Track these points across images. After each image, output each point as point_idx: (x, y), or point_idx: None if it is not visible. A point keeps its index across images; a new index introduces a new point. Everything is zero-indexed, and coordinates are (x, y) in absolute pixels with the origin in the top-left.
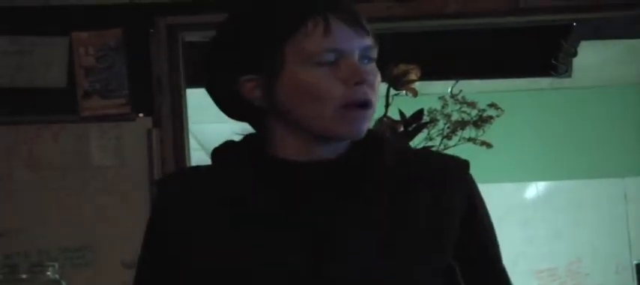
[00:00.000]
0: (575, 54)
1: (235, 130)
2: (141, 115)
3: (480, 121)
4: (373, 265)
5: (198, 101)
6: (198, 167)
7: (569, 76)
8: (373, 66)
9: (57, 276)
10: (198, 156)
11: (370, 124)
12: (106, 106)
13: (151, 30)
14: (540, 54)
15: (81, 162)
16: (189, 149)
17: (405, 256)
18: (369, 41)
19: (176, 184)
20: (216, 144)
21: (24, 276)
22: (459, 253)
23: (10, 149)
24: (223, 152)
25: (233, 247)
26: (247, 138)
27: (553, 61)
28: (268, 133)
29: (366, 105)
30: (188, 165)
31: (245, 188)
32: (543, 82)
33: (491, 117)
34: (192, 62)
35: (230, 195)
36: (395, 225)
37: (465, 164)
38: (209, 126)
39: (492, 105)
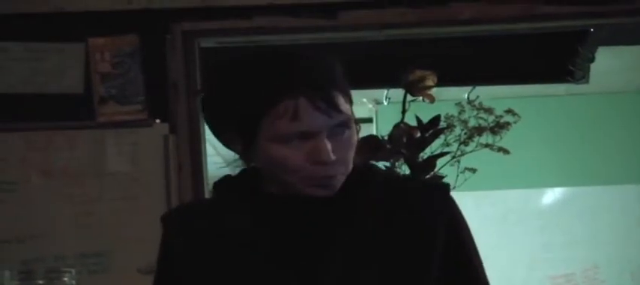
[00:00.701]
0: (592, 60)
1: None
2: (157, 121)
3: (497, 127)
4: None
5: None
6: (201, 201)
7: (587, 82)
8: (346, 134)
9: (73, 282)
10: (215, 162)
11: (341, 182)
12: (122, 112)
13: (167, 36)
14: (557, 60)
15: (97, 168)
16: (205, 155)
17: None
18: (340, 118)
19: (179, 219)
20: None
21: (41, 282)
22: (443, 275)
23: (26, 155)
24: (222, 187)
25: (228, 280)
26: (245, 173)
27: (570, 67)
28: (260, 172)
29: (331, 178)
30: (204, 171)
31: (242, 223)
32: (560, 88)
33: (508, 123)
34: (207, 68)
35: (228, 229)
36: (384, 255)
37: (445, 188)
38: None
39: (509, 111)
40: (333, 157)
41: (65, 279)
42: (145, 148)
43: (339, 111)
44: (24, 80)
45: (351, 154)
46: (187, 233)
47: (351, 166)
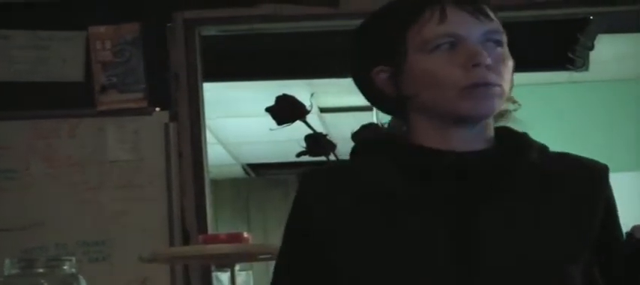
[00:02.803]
0: (591, 47)
1: (254, 124)
2: (158, 109)
3: (497, 115)
4: (519, 258)
5: (215, 95)
6: (340, 162)
7: (586, 69)
8: (499, 50)
9: (74, 270)
10: (215, 150)
11: (499, 104)
12: (123, 101)
13: (168, 24)
14: (557, 48)
15: (98, 156)
16: (206, 143)
17: (549, 252)
18: (491, 26)
19: (321, 181)
20: (234, 138)
21: (41, 270)
22: (598, 254)
23: (28, 143)
24: (367, 144)
25: (380, 238)
26: (390, 130)
27: (570, 55)
28: (409, 124)
29: (487, 84)
30: (204, 159)
31: (391, 180)
32: (560, 76)
33: (508, 111)
34: (209, 56)
35: (375, 189)
36: (539, 221)
37: (605, 168)
38: (226, 120)
39: (509, 99)
40: (487, 60)
41: (65, 267)
42: (145, 136)
43: (489, 17)
44: (27, 69)
45: (507, 75)
46: (331, 197)
47: (507, 90)
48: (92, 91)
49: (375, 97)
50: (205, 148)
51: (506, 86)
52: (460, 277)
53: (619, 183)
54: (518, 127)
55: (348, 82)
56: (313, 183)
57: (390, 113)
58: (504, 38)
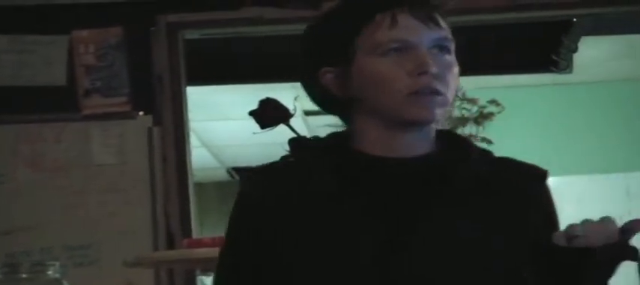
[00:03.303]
0: (575, 49)
1: (238, 127)
2: (141, 113)
3: (481, 118)
4: (453, 263)
5: (199, 99)
6: (277, 163)
7: (570, 71)
8: (447, 58)
9: (58, 275)
10: (199, 153)
11: (442, 111)
12: (106, 105)
13: (152, 28)
14: (541, 50)
15: (83, 160)
16: (190, 147)
17: (486, 257)
18: (440, 33)
19: (263, 180)
20: (218, 141)
21: (24, 275)
22: (535, 260)
23: (12, 148)
24: (305, 148)
25: (320, 238)
26: (332, 135)
27: (554, 57)
28: (353, 126)
29: (431, 92)
30: (188, 162)
31: (332, 183)
32: (544, 78)
33: (492, 113)
34: (193, 60)
35: (317, 190)
36: (477, 226)
37: (543, 173)
38: (210, 123)
39: (493, 101)
40: (433, 68)
41: (49, 272)
42: (130, 140)
43: (439, 25)
44: (11, 73)
45: (452, 82)
46: (273, 195)
47: (451, 97)
48: (76, 95)
49: (322, 98)
50: (189, 151)
51: (450, 94)
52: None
53: (602, 184)
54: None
55: None
56: (255, 181)
57: (336, 115)
58: (453, 45)
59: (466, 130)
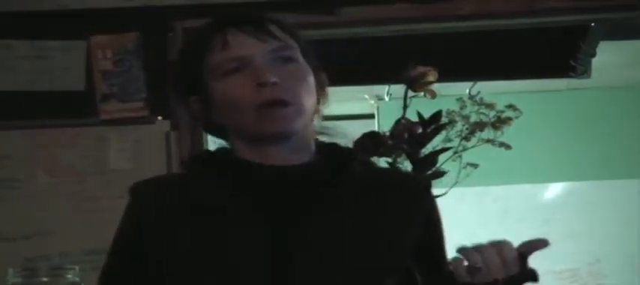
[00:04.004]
0: (593, 55)
1: None
2: (159, 118)
3: (499, 123)
4: (333, 270)
5: None
6: (170, 174)
7: (588, 77)
8: (290, 67)
9: (77, 279)
10: None
11: (298, 120)
12: (124, 110)
13: (169, 33)
14: (559, 55)
15: (100, 165)
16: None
17: (365, 264)
18: (275, 44)
19: (149, 192)
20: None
21: (44, 279)
22: (417, 268)
23: (30, 153)
24: (196, 161)
25: (201, 251)
26: (222, 148)
27: (571, 62)
28: (233, 147)
29: (277, 103)
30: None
31: (215, 192)
32: (562, 83)
33: (509, 118)
34: None
35: (200, 199)
36: (357, 234)
37: (426, 183)
38: None
39: (511, 106)
40: (272, 78)
41: (69, 276)
42: (147, 146)
43: (273, 36)
44: (28, 78)
45: (302, 90)
46: (158, 206)
47: (304, 104)
48: (93, 101)
49: (200, 125)
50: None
51: (304, 101)
52: None
53: (619, 191)
54: (346, 143)
55: (348, 90)
56: (142, 192)
57: (218, 137)
58: (297, 54)
59: (483, 135)
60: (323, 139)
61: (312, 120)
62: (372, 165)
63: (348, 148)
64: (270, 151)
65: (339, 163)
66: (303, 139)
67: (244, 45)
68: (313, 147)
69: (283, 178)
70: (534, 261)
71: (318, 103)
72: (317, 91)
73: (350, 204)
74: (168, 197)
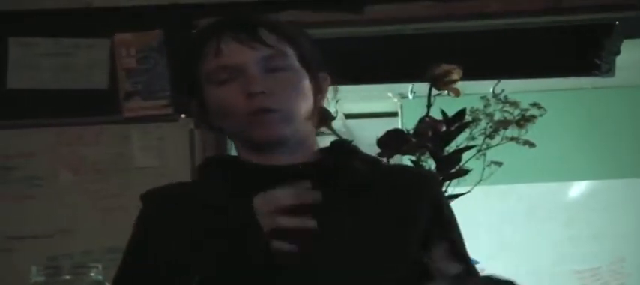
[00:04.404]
0: (618, 53)
1: None
2: (183, 116)
3: (523, 121)
4: (328, 265)
5: None
6: (184, 182)
7: (612, 75)
8: (281, 75)
9: (100, 277)
10: None
11: (287, 126)
12: (147, 107)
13: (193, 31)
14: (583, 53)
15: (123, 163)
16: (231, 150)
17: (362, 260)
18: (267, 52)
19: (157, 197)
20: None
21: (67, 277)
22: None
23: (54, 151)
24: (207, 166)
25: (195, 245)
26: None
27: (595, 60)
28: (236, 149)
29: (264, 111)
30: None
31: (216, 194)
32: (586, 81)
33: (533, 116)
34: None
35: (203, 202)
36: (354, 231)
37: (434, 178)
38: None
39: (535, 104)
40: (258, 88)
41: (92, 274)
42: (170, 143)
43: (266, 44)
44: (52, 76)
45: (291, 95)
46: (164, 210)
47: (292, 109)
48: (117, 98)
49: (203, 127)
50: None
51: (292, 107)
52: None
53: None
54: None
55: (372, 88)
56: (150, 198)
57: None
58: (289, 59)
59: (507, 133)
60: (332, 138)
61: (307, 122)
62: (380, 163)
63: (349, 146)
64: (268, 156)
65: (338, 161)
66: (300, 140)
67: (236, 53)
68: (315, 147)
69: (280, 178)
70: (558, 258)
71: (316, 103)
72: (315, 93)
73: (348, 202)
74: (175, 201)
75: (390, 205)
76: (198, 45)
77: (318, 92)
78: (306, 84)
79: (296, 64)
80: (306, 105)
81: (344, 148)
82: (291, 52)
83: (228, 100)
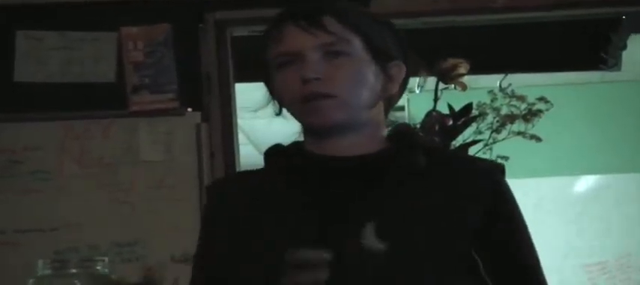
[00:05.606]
0: (624, 47)
1: (287, 125)
2: (190, 109)
3: (530, 115)
4: (377, 252)
5: (247, 96)
6: (249, 171)
7: (619, 69)
8: (339, 60)
9: (107, 270)
10: (247, 150)
11: (342, 113)
12: (154, 101)
13: (200, 25)
14: (589, 47)
15: (130, 157)
16: (237, 144)
17: (412, 250)
18: (325, 38)
19: (221, 188)
20: (265, 139)
21: (74, 270)
22: (482, 253)
23: (60, 144)
24: (271, 154)
25: (255, 236)
26: (296, 141)
27: (602, 55)
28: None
29: (318, 97)
30: (236, 159)
31: (278, 184)
32: (592, 75)
33: (540, 111)
34: (240, 57)
35: (264, 191)
36: (408, 222)
37: (494, 169)
38: (257, 121)
39: (541, 98)
40: (313, 74)
41: (98, 268)
42: (177, 137)
43: (326, 31)
44: (59, 70)
45: (349, 82)
46: (227, 200)
47: (349, 96)
48: (124, 92)
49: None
50: (237, 148)
51: (348, 94)
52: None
53: None
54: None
55: None
56: (214, 189)
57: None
58: (352, 46)
59: (514, 128)
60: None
61: (371, 109)
62: (440, 150)
63: (413, 134)
64: (329, 142)
65: (398, 151)
66: (363, 128)
67: (296, 40)
68: (382, 134)
69: (337, 168)
70: (566, 252)
71: (385, 92)
72: (384, 81)
73: (405, 193)
74: (236, 190)
75: (440, 197)
76: (267, 31)
77: (389, 81)
78: (370, 72)
79: (359, 51)
80: (369, 93)
81: (406, 136)
82: (355, 40)
83: (286, 86)
